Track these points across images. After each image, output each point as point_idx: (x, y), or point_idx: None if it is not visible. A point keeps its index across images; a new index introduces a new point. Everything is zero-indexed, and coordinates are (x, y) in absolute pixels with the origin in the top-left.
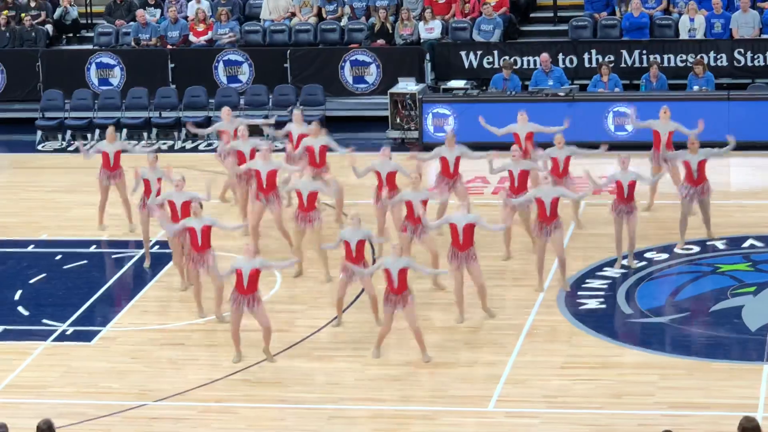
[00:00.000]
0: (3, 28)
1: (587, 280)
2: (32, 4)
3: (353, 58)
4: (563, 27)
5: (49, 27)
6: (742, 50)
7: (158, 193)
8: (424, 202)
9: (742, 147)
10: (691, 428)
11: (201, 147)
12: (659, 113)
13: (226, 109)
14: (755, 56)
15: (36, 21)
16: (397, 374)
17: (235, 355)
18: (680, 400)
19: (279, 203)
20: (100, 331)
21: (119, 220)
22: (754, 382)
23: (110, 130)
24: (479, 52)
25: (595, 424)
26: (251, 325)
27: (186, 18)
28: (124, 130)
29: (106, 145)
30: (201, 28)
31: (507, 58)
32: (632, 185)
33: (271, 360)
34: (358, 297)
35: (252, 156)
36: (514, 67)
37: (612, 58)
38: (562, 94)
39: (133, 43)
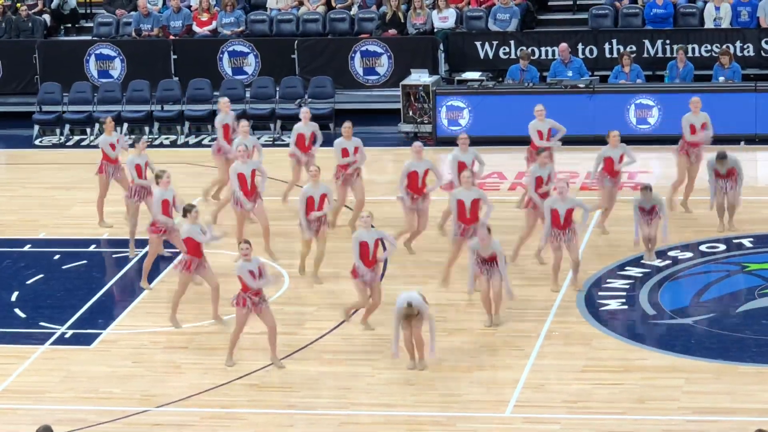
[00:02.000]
0: None
1: (608, 280)
2: None
3: (364, 48)
4: (583, 15)
5: (46, 17)
6: None
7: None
8: (476, 202)
9: None
10: None
11: (205, 141)
12: (690, 104)
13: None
14: None
15: (32, 11)
16: (410, 378)
17: (228, 358)
18: (706, 405)
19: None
20: (100, 334)
21: (119, 218)
22: None
23: (109, 120)
24: (495, 42)
25: (618, 430)
26: (257, 327)
27: (189, 7)
28: (125, 125)
29: (108, 137)
30: (205, 17)
31: (524, 48)
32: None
33: (280, 366)
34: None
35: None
36: (532, 57)
37: (634, 48)
38: (581, 85)
39: (134, 34)
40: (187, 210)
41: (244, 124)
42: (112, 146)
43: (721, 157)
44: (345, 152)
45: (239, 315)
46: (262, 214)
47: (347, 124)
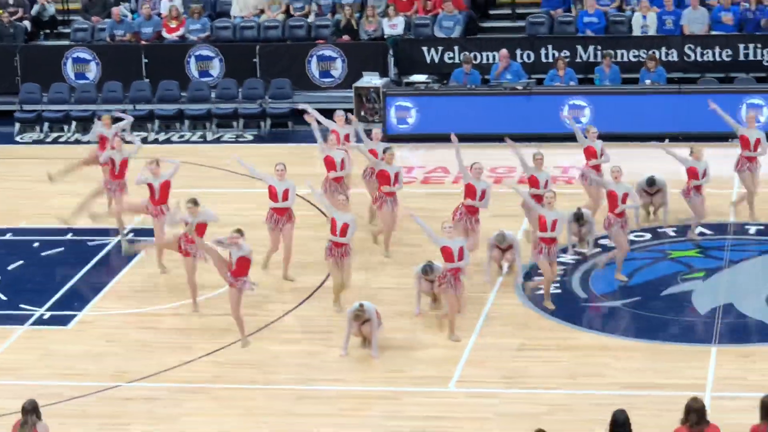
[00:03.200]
0: None
1: None
2: (10, 1)
3: (320, 53)
4: (521, 23)
5: (27, 23)
6: (692, 46)
7: (122, 176)
8: (556, 222)
9: (692, 138)
10: (643, 407)
11: (174, 139)
12: (746, 119)
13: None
14: (704, 52)
15: (14, 17)
16: (361, 356)
17: (244, 339)
18: (633, 380)
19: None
20: (76, 315)
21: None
22: (703, 363)
23: (106, 117)
24: (440, 48)
25: (552, 403)
26: (221, 308)
27: (159, 15)
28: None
29: (105, 130)
30: (174, 24)
31: (467, 53)
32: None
33: (245, 343)
34: (321, 285)
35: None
36: (474, 62)
37: (568, 53)
38: (520, 87)
39: (108, 39)
40: (188, 202)
41: (332, 138)
42: (103, 139)
43: (651, 183)
44: (386, 178)
45: (235, 294)
46: (288, 237)
47: (391, 152)
